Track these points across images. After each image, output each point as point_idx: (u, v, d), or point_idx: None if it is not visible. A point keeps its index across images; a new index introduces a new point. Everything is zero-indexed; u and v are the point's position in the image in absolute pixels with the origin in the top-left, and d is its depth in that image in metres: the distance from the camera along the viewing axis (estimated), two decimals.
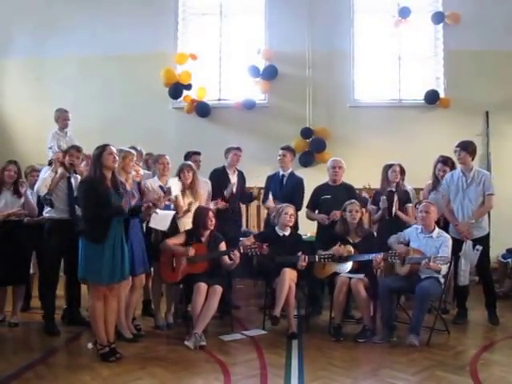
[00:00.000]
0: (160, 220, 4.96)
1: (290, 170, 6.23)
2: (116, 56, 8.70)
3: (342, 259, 5.03)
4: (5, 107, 9.08)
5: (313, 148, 8.32)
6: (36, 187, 5.31)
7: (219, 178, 6.10)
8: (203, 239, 5.07)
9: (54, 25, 8.88)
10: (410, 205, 5.77)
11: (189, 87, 8.54)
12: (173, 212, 5.10)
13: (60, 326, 5.24)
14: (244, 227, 7.59)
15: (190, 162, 5.67)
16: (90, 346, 4.51)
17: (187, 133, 8.48)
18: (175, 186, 5.31)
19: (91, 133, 7.90)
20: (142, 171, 5.35)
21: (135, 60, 8.64)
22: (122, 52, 8.67)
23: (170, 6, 8.86)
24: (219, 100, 8.86)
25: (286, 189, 6.10)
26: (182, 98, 8.65)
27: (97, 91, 8.77)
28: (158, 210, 4.58)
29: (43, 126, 8.55)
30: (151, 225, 5.00)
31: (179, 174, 5.46)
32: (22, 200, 5.33)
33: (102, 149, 4.29)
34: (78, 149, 5.30)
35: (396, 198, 5.68)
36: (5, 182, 5.25)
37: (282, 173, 6.22)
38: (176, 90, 8.51)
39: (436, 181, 5.87)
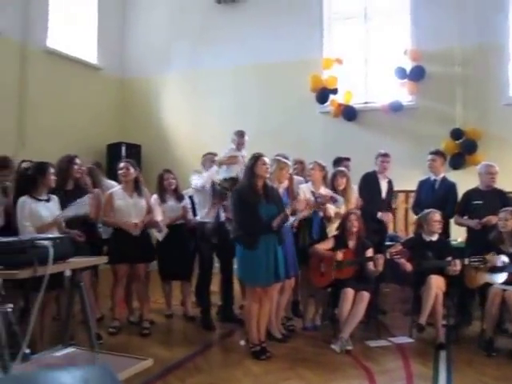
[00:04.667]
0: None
1: (442, 175, 6.03)
2: (265, 65, 9.10)
3: (496, 270, 4.82)
4: (165, 117, 9.93)
5: (464, 150, 7.96)
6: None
7: (370, 182, 6.11)
8: (351, 244, 5.13)
9: (209, 38, 9.54)
10: None
11: (335, 92, 8.65)
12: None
13: (215, 321, 5.64)
14: (391, 231, 7.53)
15: (343, 168, 5.74)
16: (242, 343, 4.83)
17: (334, 137, 8.61)
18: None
19: None
20: (293, 178, 5.50)
21: (283, 68, 8.96)
22: (270, 61, 9.04)
23: (315, 12, 9.03)
24: (365, 103, 8.83)
25: (437, 194, 5.94)
26: (328, 103, 8.78)
27: (249, 99, 9.26)
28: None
29: (198, 134, 9.32)
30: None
31: (332, 180, 5.55)
32: (183, 203, 5.86)
33: (256, 159, 4.55)
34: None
35: None
36: (167, 190, 5.81)
37: (433, 178, 6.05)
38: (323, 94, 8.68)
39: None
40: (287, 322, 5.43)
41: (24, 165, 4.78)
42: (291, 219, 4.88)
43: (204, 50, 9.58)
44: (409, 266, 4.98)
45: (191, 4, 9.78)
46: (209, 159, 5.84)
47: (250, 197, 4.45)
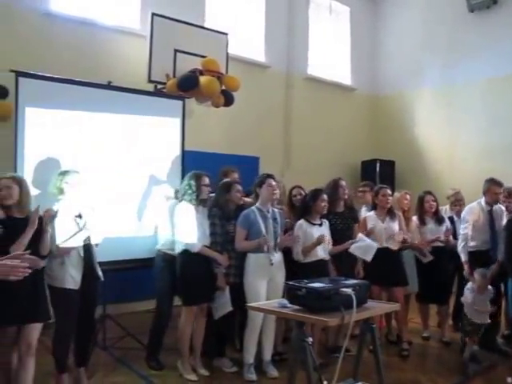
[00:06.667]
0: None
1: None
2: None
3: None
4: (419, 133, 9.82)
5: None
6: None
7: None
8: None
9: (462, 49, 9.17)
10: None
11: None
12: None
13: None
14: None
15: None
16: (509, 380, 4.54)
17: None
18: None
19: (494, 155, 7.94)
20: None
21: None
22: None
23: None
24: None
25: None
26: None
27: (504, 112, 8.64)
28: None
29: (454, 150, 9.05)
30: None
31: None
32: (444, 227, 5.76)
33: None
34: None
35: None
36: (427, 212, 5.78)
37: None
38: None
39: None
40: None
41: (294, 191, 5.44)
42: None
43: (456, 62, 9.24)
44: None
45: (442, 16, 9.48)
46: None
47: None
